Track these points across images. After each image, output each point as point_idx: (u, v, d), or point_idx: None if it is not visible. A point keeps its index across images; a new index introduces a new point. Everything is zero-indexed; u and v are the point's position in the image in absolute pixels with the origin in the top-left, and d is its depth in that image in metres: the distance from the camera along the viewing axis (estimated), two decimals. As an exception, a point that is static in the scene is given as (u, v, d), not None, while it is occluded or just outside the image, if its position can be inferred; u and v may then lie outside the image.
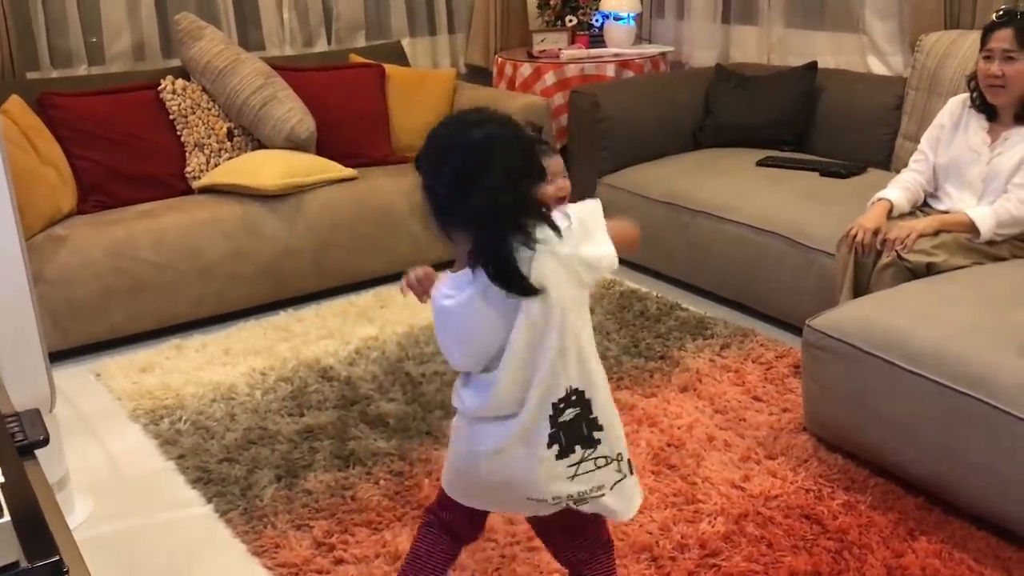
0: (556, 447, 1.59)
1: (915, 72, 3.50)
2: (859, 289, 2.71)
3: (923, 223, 2.66)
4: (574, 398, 1.59)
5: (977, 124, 2.76)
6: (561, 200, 1.72)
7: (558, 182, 1.77)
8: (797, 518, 2.20)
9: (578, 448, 1.60)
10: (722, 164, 3.70)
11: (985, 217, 2.63)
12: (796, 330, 2.88)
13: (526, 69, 4.40)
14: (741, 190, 3.41)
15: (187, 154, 3.65)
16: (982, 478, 2.10)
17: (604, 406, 1.63)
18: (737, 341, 3.12)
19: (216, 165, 3.66)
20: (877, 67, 3.94)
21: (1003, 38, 2.60)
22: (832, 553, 2.08)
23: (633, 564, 2.07)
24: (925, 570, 2.02)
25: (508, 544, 2.15)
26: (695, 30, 4.66)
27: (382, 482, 2.40)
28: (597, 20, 4.68)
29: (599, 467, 1.63)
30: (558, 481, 1.61)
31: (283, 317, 3.45)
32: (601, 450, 1.63)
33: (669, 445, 2.52)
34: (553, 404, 1.58)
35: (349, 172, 3.67)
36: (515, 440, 1.59)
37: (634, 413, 2.69)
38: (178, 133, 3.66)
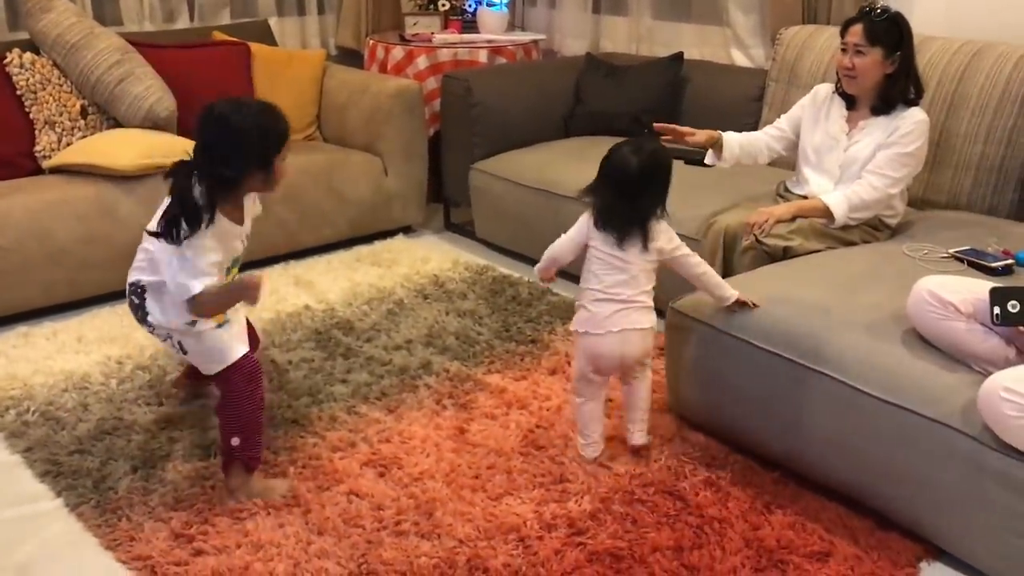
0: None
1: (775, 64, 3.63)
2: (728, 272, 2.79)
3: (781, 209, 2.76)
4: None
5: (838, 113, 2.89)
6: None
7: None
8: (661, 495, 2.26)
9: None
10: (591, 151, 3.66)
11: (839, 203, 2.75)
12: (660, 313, 2.95)
13: (398, 52, 4.35)
14: (610, 176, 3.45)
15: (36, 132, 3.45)
16: (832, 452, 2.19)
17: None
18: (605, 325, 3.16)
19: (68, 144, 3.47)
20: (740, 59, 4.07)
21: (855, 32, 2.73)
22: (693, 528, 2.14)
23: (501, 545, 2.08)
24: (780, 541, 2.10)
25: (375, 530, 2.13)
26: (566, 19, 4.70)
27: (245, 471, 2.33)
28: (470, 5, 4.67)
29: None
30: None
31: (142, 303, 3.30)
32: None
33: (538, 427, 2.54)
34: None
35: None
36: None
37: (504, 396, 2.69)
38: (26, 110, 3.45)
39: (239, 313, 2.34)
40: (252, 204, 2.30)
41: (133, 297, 2.25)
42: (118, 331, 3.08)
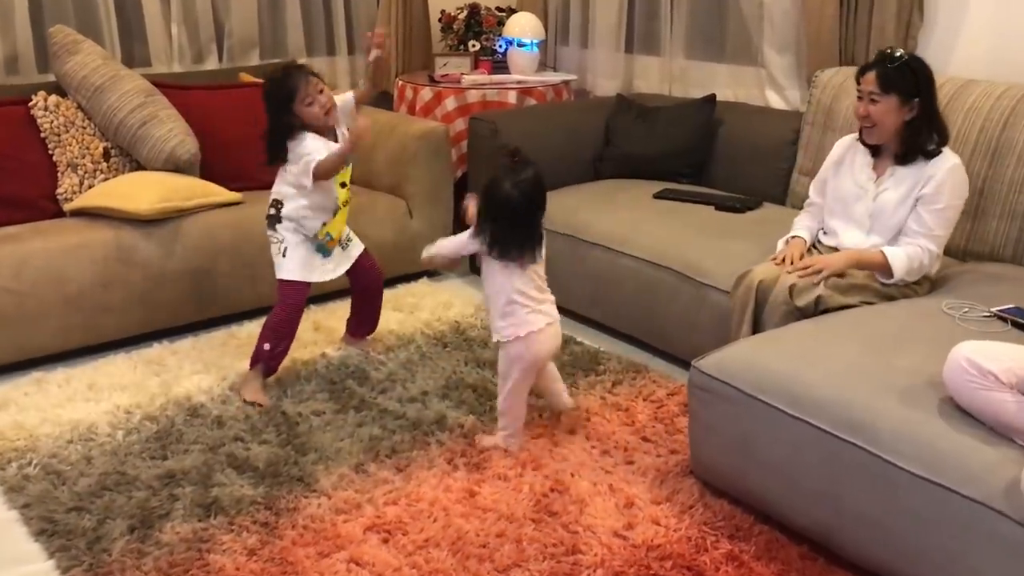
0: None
1: (811, 107, 3.50)
2: (757, 328, 2.67)
3: (839, 261, 2.63)
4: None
5: (863, 161, 2.77)
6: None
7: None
8: (679, 570, 2.12)
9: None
10: (620, 196, 3.64)
11: (898, 258, 2.61)
12: (689, 366, 2.82)
13: (427, 93, 4.29)
14: (637, 223, 3.35)
15: (59, 174, 3.44)
16: (864, 527, 2.04)
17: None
18: (629, 377, 3.04)
19: (91, 187, 3.45)
20: (775, 101, 3.94)
21: (869, 80, 2.62)
22: (712, 607, 2.00)
23: (505, 623, 1.96)
24: (805, 625, 1.95)
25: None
26: (598, 59, 4.62)
27: (244, 534, 2.24)
28: (501, 46, 4.61)
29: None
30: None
31: (157, 349, 3.25)
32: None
33: (552, 491, 2.42)
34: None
35: (233, 196, 3.50)
36: None
37: (519, 456, 2.58)
38: (50, 152, 3.44)
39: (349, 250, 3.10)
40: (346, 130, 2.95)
41: (272, 209, 2.92)
42: (130, 378, 3.03)
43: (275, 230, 2.92)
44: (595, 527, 2.27)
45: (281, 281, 2.94)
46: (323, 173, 2.81)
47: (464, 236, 2.56)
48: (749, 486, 2.30)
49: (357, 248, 3.12)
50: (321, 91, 2.84)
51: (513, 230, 2.45)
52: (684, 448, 2.59)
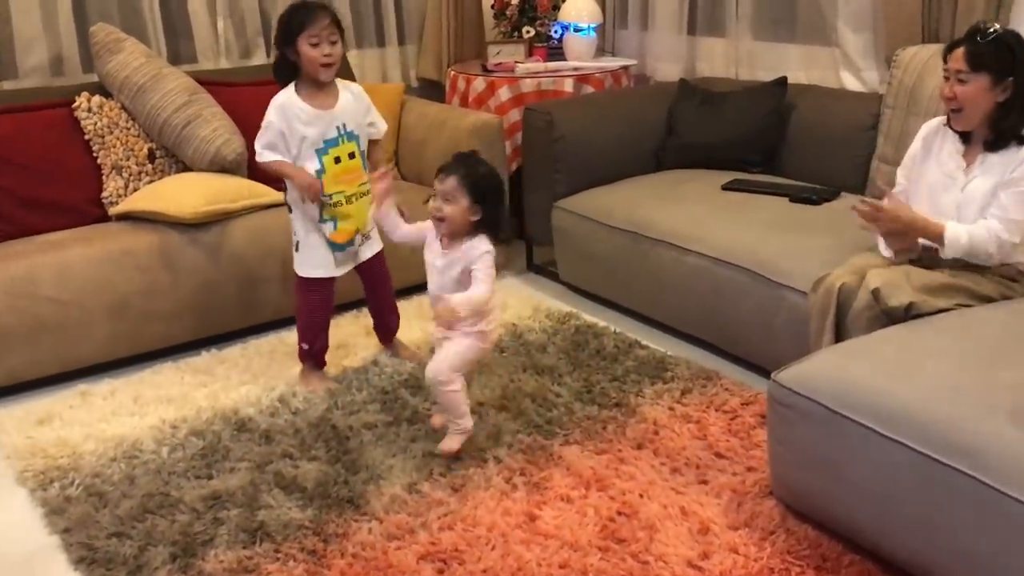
0: None
1: (891, 89, 3.25)
2: (840, 335, 2.45)
3: (902, 214, 2.47)
4: None
5: (952, 147, 2.53)
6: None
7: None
8: (760, 606, 1.93)
9: None
10: (685, 188, 3.43)
11: (958, 237, 2.39)
12: (763, 372, 2.63)
13: (479, 83, 4.12)
14: (704, 217, 3.14)
15: (104, 177, 3.35)
16: (968, 562, 1.83)
17: None
18: (699, 385, 2.84)
19: (135, 189, 3.36)
20: (851, 83, 3.69)
21: (957, 58, 2.39)
22: (799, 651, 1.81)
23: (570, 667, 1.79)
24: (906, 673, 1.75)
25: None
26: (660, 42, 4.40)
27: (291, 563, 2.10)
28: (556, 31, 4.41)
29: None
30: None
31: (205, 358, 3.14)
32: None
33: (620, 514, 2.24)
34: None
35: (281, 196, 3.35)
36: None
37: (582, 474, 2.40)
38: (94, 155, 3.36)
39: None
40: (351, 96, 2.78)
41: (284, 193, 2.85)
42: (177, 390, 2.92)
43: (292, 218, 2.83)
44: (667, 556, 2.09)
45: (297, 277, 2.86)
46: (262, 165, 2.75)
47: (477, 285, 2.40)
48: (836, 511, 2.10)
49: (371, 249, 2.93)
50: (334, 42, 2.66)
51: (502, 203, 2.50)
52: (762, 465, 2.39)
